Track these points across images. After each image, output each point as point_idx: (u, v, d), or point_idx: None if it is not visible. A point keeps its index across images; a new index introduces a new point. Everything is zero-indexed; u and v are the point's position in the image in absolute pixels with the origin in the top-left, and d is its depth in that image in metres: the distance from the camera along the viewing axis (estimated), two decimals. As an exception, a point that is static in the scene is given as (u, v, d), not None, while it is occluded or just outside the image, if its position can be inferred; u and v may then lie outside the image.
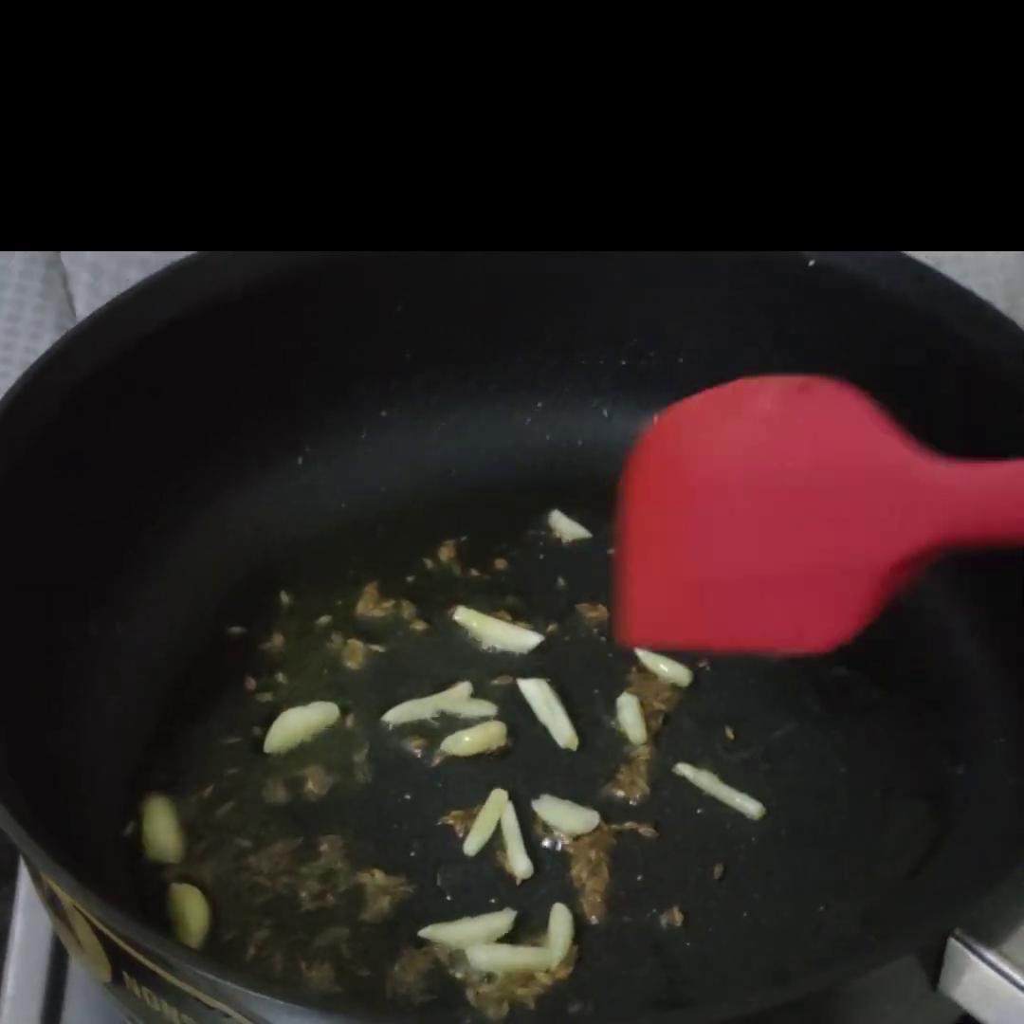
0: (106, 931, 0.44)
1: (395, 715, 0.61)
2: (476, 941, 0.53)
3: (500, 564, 0.67)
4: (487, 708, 0.61)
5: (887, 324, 0.65)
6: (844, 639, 0.53)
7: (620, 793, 0.59)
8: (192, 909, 0.54)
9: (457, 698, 0.62)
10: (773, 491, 0.52)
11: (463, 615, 0.65)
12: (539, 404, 0.71)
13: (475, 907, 0.55)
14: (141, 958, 0.44)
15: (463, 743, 0.60)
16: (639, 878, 0.57)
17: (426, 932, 0.54)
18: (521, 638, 0.64)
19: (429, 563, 0.67)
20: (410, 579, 0.66)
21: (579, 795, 0.59)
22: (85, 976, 0.51)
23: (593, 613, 0.65)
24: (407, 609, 0.65)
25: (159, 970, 0.43)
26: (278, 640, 0.64)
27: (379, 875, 0.56)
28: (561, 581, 0.66)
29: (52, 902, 0.48)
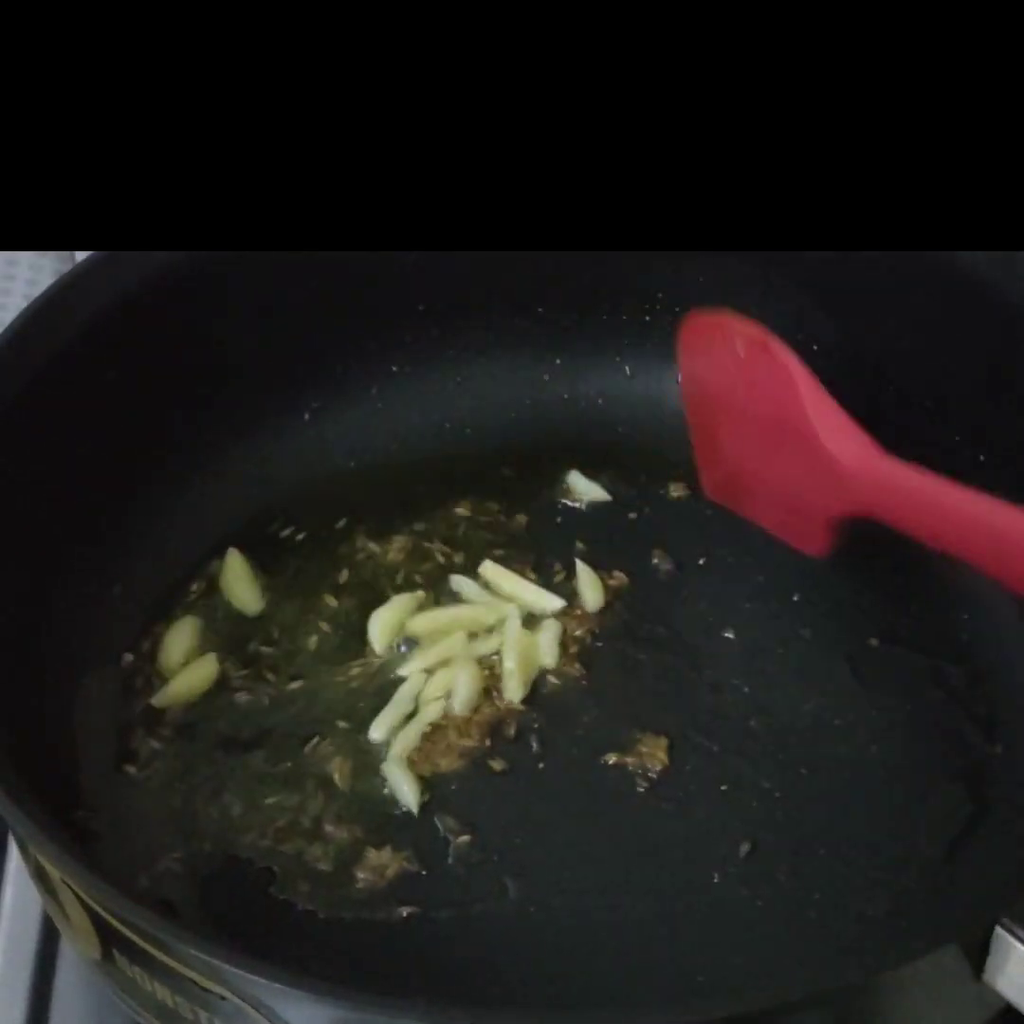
0: (95, 907, 0.41)
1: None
2: None
3: (515, 527, 0.64)
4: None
5: (933, 281, 0.62)
6: (820, 555, 0.59)
7: (637, 762, 0.56)
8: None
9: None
10: (748, 423, 0.60)
11: (490, 571, 0.62)
12: (558, 360, 0.68)
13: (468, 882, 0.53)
14: (132, 936, 0.41)
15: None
16: (659, 855, 0.54)
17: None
18: (544, 600, 0.61)
19: (441, 526, 0.64)
20: (421, 543, 0.63)
21: (589, 765, 0.56)
22: (75, 954, 0.48)
23: (612, 582, 0.62)
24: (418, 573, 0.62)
25: (151, 949, 0.41)
26: (282, 601, 0.61)
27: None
28: (579, 545, 0.63)
29: (40, 876, 0.45)
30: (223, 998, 0.40)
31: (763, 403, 0.58)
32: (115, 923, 0.41)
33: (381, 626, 0.60)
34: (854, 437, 0.56)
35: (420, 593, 0.61)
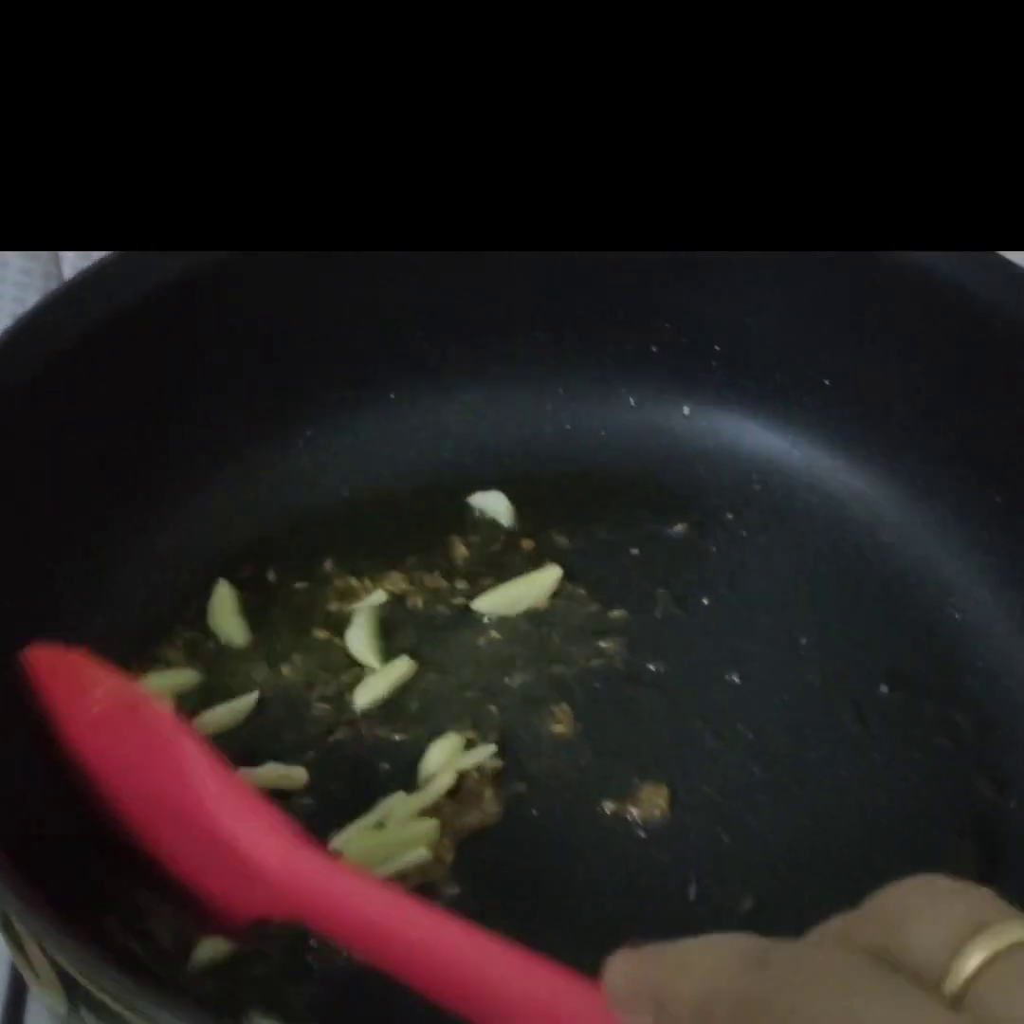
0: (65, 965, 0.39)
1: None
2: None
3: (512, 561, 0.62)
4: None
5: (941, 309, 0.60)
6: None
7: (636, 811, 0.54)
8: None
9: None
10: (138, 789, 0.46)
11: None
12: (560, 390, 0.66)
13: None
14: (100, 995, 0.39)
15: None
16: (657, 910, 0.52)
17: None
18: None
19: (438, 558, 0.62)
20: (415, 577, 0.61)
21: (586, 812, 0.54)
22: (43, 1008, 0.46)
23: (590, 610, 0.60)
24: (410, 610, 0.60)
25: (120, 1009, 0.38)
26: (269, 636, 0.59)
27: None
28: (582, 592, 0.61)
29: (6, 927, 0.43)
30: (196, 1062, 0.38)
31: (152, 776, 0.46)
32: (83, 981, 0.39)
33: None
34: (271, 829, 0.43)
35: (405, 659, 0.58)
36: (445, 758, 0.55)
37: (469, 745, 0.56)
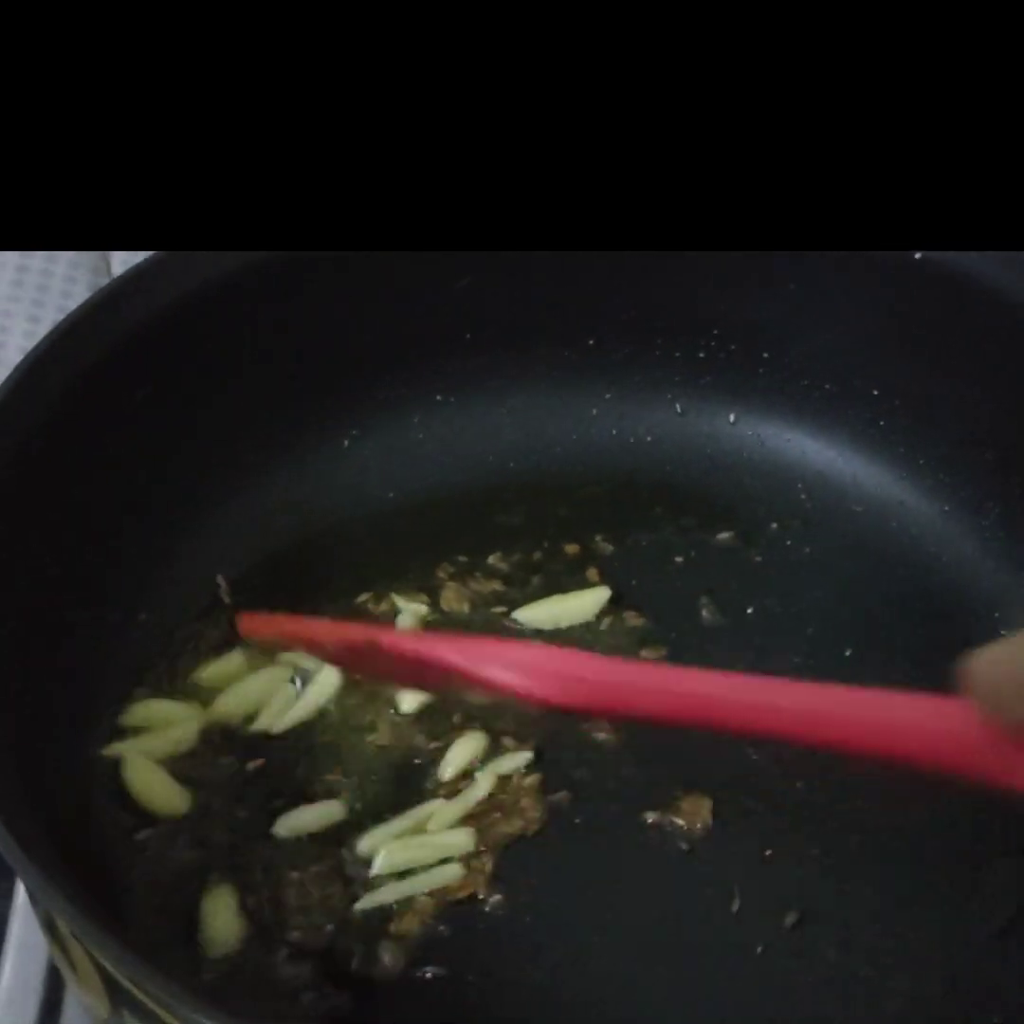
0: (108, 968, 0.39)
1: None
2: None
3: (554, 567, 0.61)
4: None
5: (993, 321, 0.59)
6: None
7: (679, 822, 0.54)
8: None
9: None
10: None
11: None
12: (608, 394, 0.65)
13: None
14: (144, 999, 0.38)
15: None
16: (700, 922, 0.51)
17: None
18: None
19: (482, 562, 0.61)
20: (460, 581, 0.61)
21: (627, 823, 0.54)
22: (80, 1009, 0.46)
23: (635, 621, 0.60)
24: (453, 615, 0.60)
25: (162, 1012, 0.38)
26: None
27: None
28: (625, 598, 0.60)
29: (50, 927, 0.42)
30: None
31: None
32: (127, 984, 0.39)
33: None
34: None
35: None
36: (467, 756, 0.55)
37: (507, 750, 0.55)
